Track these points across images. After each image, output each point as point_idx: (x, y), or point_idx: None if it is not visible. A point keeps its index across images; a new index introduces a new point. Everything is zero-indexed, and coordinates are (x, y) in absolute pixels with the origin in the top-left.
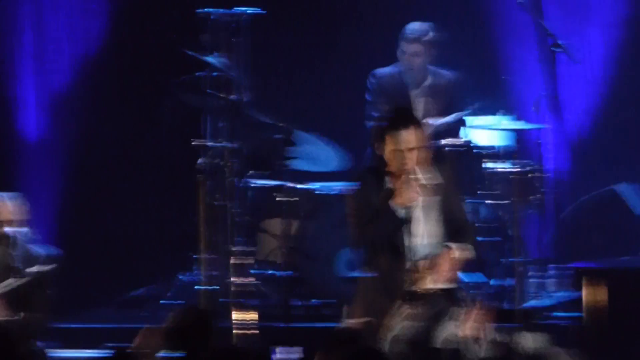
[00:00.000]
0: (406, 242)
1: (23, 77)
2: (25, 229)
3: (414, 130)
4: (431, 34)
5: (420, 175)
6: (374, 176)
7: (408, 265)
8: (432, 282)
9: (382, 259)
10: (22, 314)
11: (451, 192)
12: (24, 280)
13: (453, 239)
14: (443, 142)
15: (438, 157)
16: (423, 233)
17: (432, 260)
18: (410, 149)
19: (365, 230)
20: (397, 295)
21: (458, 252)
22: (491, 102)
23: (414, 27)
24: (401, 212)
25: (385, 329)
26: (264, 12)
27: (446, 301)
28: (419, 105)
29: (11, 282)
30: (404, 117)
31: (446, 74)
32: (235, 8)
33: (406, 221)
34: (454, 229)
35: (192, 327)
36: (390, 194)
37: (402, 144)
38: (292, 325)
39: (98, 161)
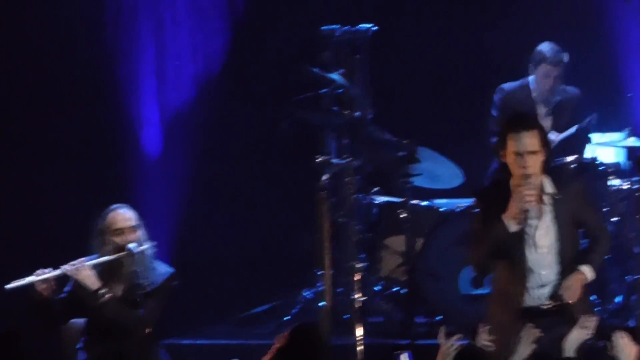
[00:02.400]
0: (528, 256)
1: (146, 95)
2: (147, 244)
3: (536, 133)
4: (567, 57)
5: (539, 181)
6: (496, 191)
7: (531, 281)
8: (549, 298)
9: (503, 275)
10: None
11: (582, 202)
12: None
13: (592, 246)
14: (568, 159)
15: (564, 173)
16: (546, 246)
17: (567, 284)
18: (531, 152)
19: (478, 249)
20: (520, 313)
21: (589, 275)
22: (610, 117)
23: (555, 50)
24: (512, 226)
25: (510, 350)
26: (384, 28)
27: (569, 316)
28: (546, 122)
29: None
30: (526, 120)
31: (572, 90)
32: (360, 25)
33: (517, 235)
34: (590, 237)
35: (303, 345)
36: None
37: (522, 147)
38: (416, 342)
39: (219, 178)
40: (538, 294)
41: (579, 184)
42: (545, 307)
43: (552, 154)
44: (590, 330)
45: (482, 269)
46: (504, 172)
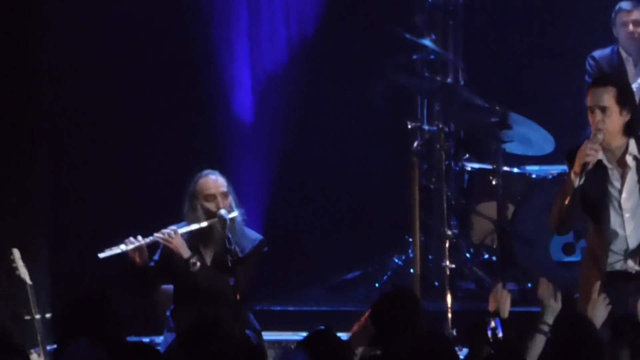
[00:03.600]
0: (613, 219)
1: (239, 59)
2: (238, 211)
3: (611, 90)
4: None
5: (619, 141)
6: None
7: (620, 244)
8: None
9: (593, 238)
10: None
11: None
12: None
13: None
14: None
15: None
16: (630, 209)
17: None
18: (602, 107)
19: (553, 207)
20: (605, 276)
21: None
22: None
23: (628, 2)
24: (576, 181)
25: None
26: None
27: None
28: (636, 80)
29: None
30: (604, 77)
31: None
32: None
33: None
34: None
35: (398, 310)
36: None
37: (593, 101)
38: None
39: (310, 143)
40: (626, 258)
41: None
42: (632, 271)
43: (636, 117)
44: None
45: (556, 226)
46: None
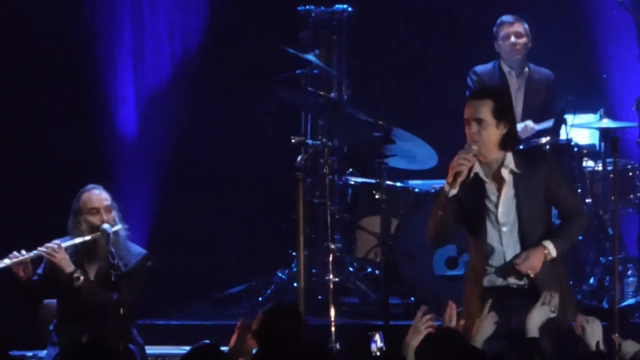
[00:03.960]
0: (490, 233)
1: (122, 74)
2: (121, 225)
3: (488, 103)
4: (525, 24)
5: (495, 156)
6: None
7: (498, 259)
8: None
9: (472, 253)
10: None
11: (554, 180)
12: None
13: (562, 225)
14: (544, 140)
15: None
16: (508, 223)
17: (524, 255)
18: (479, 121)
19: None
20: (486, 292)
21: (552, 251)
22: (584, 99)
23: (513, 17)
24: (450, 191)
25: (476, 330)
26: (360, 9)
27: (532, 294)
28: (519, 101)
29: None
30: (482, 90)
31: (544, 70)
32: (336, 6)
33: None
34: (562, 217)
35: (281, 325)
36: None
37: (469, 113)
38: (390, 323)
39: (196, 158)
40: (505, 273)
41: (549, 162)
42: (514, 286)
43: (513, 131)
44: (553, 307)
45: (432, 239)
46: None
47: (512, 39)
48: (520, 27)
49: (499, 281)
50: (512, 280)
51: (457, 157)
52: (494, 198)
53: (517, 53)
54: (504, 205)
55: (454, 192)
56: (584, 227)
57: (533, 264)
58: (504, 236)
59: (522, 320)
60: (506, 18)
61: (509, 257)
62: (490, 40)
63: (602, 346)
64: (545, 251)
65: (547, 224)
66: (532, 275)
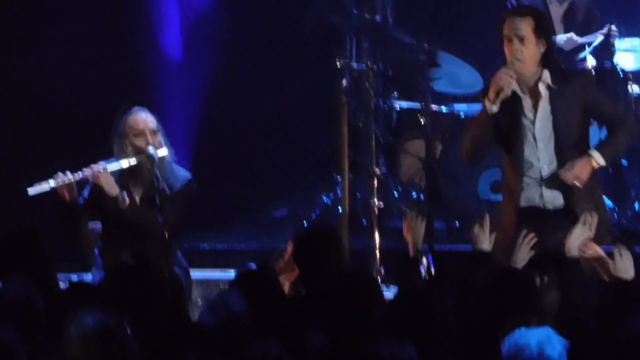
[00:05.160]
0: (526, 149)
1: None
2: (166, 149)
3: (529, 20)
4: None
5: (532, 71)
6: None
7: (534, 175)
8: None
9: (507, 171)
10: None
11: (591, 94)
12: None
13: (609, 135)
14: (588, 64)
15: (574, 71)
16: (544, 139)
17: (570, 165)
18: (521, 39)
19: (465, 136)
20: (521, 212)
21: (599, 160)
22: (629, 23)
23: None
24: (491, 107)
25: (512, 250)
26: None
27: (568, 214)
28: (559, 23)
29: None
30: (521, 7)
31: None
32: None
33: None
34: (607, 128)
35: (317, 246)
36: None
37: (511, 30)
38: (435, 247)
39: (240, 81)
40: (543, 190)
41: (585, 76)
42: (550, 207)
43: (551, 49)
44: (593, 229)
45: (469, 156)
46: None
47: None
48: None
49: (536, 199)
50: (548, 199)
51: (499, 73)
52: (530, 114)
53: None
54: (541, 121)
55: (495, 108)
56: (632, 134)
57: (578, 172)
58: (540, 152)
59: (558, 241)
60: None
61: (545, 174)
62: None
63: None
64: (592, 160)
65: (584, 141)
66: (579, 185)
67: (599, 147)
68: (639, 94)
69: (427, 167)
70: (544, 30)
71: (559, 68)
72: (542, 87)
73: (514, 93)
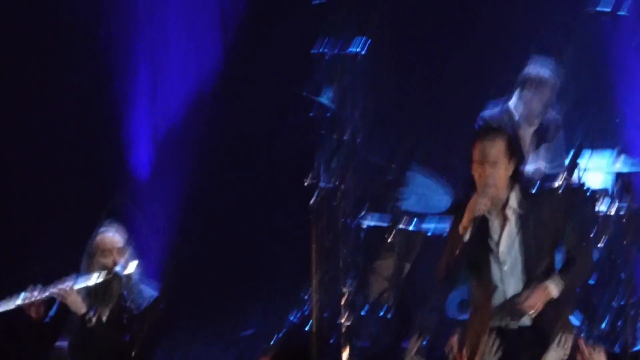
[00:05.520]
0: (493, 272)
1: (137, 115)
2: (135, 268)
3: (500, 144)
4: (557, 81)
5: (502, 194)
6: (463, 206)
7: (498, 298)
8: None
9: (475, 292)
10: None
11: (558, 221)
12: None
13: (566, 265)
14: (556, 184)
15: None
16: (510, 262)
17: (526, 294)
18: (492, 163)
19: (440, 260)
20: (489, 332)
21: (554, 290)
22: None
23: (545, 72)
24: (465, 235)
25: None
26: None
27: (537, 336)
28: (529, 145)
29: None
30: (491, 130)
31: (554, 114)
32: (349, 48)
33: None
34: (567, 257)
35: None
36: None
37: (483, 156)
38: None
39: (209, 199)
40: (508, 312)
41: (553, 202)
42: (515, 327)
43: (520, 168)
44: (568, 350)
45: (443, 280)
46: (472, 185)
47: (534, 99)
48: (548, 92)
49: (501, 320)
50: (514, 320)
51: (474, 199)
52: (495, 236)
53: (534, 111)
54: (505, 244)
55: (468, 236)
56: (588, 269)
57: (534, 303)
58: (504, 275)
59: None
60: (537, 76)
61: (509, 296)
62: (511, 74)
63: None
64: (547, 291)
65: (550, 263)
66: (532, 315)
67: (556, 278)
68: (605, 212)
69: (395, 286)
70: (513, 150)
71: (526, 190)
72: (509, 211)
73: (482, 215)
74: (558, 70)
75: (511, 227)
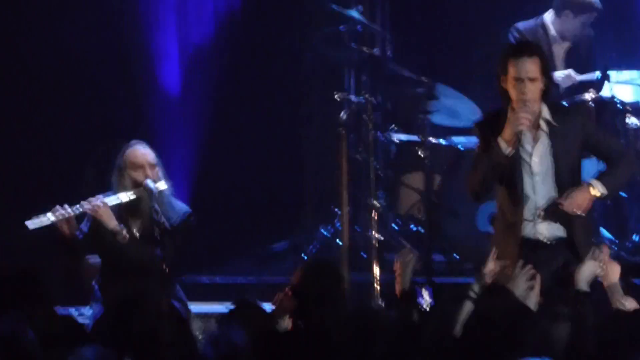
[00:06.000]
0: (525, 183)
1: (165, 30)
2: (165, 182)
3: (537, 60)
4: (601, 6)
5: (537, 108)
6: (495, 118)
7: (529, 209)
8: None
9: (504, 204)
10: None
11: (590, 128)
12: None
13: (608, 167)
14: (587, 96)
15: (573, 108)
16: (542, 173)
17: (569, 194)
18: (532, 79)
19: (474, 173)
20: (520, 243)
21: (599, 189)
22: (628, 56)
23: None
24: (506, 149)
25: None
26: None
27: (572, 250)
28: (560, 60)
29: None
30: (528, 46)
31: (588, 30)
32: None
33: (513, 161)
34: (606, 161)
35: (319, 282)
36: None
37: (523, 72)
38: (433, 280)
39: (238, 114)
40: (539, 223)
41: (583, 114)
42: (544, 239)
43: (552, 82)
44: (602, 263)
45: (477, 194)
46: (503, 98)
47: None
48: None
49: (532, 232)
50: (545, 232)
51: (517, 114)
52: (528, 148)
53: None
54: (538, 155)
55: (509, 149)
56: (632, 168)
57: (578, 201)
58: (537, 185)
59: (554, 274)
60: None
61: (541, 207)
62: None
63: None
64: (592, 189)
65: (577, 174)
66: (579, 213)
67: (600, 177)
68: (637, 126)
69: (426, 199)
70: (547, 67)
71: (557, 103)
72: (542, 123)
73: None
74: None
75: (544, 138)
